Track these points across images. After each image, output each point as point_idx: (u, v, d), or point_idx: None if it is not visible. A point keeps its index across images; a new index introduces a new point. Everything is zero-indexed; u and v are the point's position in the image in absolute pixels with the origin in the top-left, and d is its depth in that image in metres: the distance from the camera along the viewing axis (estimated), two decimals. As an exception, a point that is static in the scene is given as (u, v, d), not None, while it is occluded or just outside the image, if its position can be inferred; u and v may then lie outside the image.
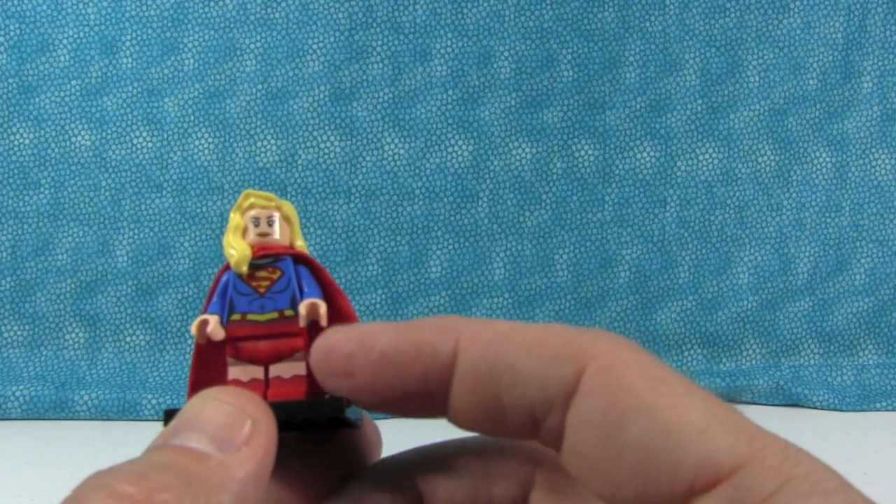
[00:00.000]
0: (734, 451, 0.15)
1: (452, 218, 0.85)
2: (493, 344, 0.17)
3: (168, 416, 0.17)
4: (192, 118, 0.83)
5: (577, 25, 0.86)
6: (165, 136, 0.83)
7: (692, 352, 0.87)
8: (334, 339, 0.18)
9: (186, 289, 0.83)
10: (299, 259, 0.20)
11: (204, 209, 0.83)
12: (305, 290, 0.19)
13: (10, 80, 0.82)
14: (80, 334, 0.82)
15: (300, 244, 0.20)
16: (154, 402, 0.77)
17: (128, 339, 0.83)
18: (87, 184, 0.83)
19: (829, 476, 0.14)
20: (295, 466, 0.18)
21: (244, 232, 0.20)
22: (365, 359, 0.17)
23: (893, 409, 0.82)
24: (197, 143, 0.83)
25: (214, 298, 0.20)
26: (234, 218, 0.20)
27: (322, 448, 0.19)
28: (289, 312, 0.19)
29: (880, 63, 0.88)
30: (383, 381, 0.17)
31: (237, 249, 0.19)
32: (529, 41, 0.85)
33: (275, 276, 0.19)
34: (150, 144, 0.83)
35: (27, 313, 0.82)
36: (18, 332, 0.82)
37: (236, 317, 0.19)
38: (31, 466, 0.63)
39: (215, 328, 0.19)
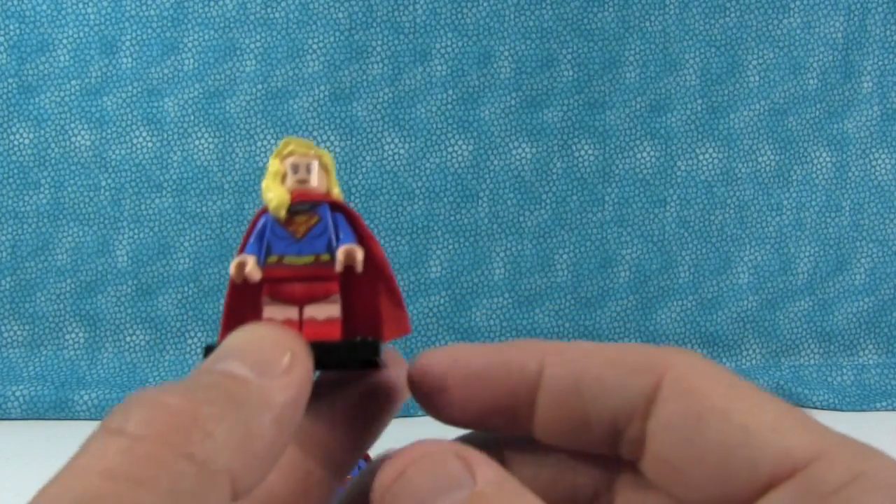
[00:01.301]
0: (808, 446, 0.16)
1: (452, 218, 0.85)
2: (576, 360, 0.18)
3: (207, 350, 0.18)
4: (192, 118, 0.83)
5: (577, 25, 0.86)
6: (165, 136, 0.83)
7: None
8: (432, 356, 0.19)
9: (186, 289, 0.83)
10: (336, 206, 0.20)
11: (204, 209, 0.83)
12: (341, 236, 0.20)
13: (10, 80, 0.82)
14: (80, 334, 0.82)
15: (336, 192, 0.21)
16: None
17: (128, 339, 0.83)
18: (87, 184, 0.83)
19: None
20: (327, 404, 0.19)
21: (283, 178, 0.20)
22: (459, 375, 0.19)
23: (893, 409, 0.83)
24: (197, 143, 0.83)
25: (251, 240, 0.20)
26: (274, 164, 0.20)
27: (351, 386, 0.20)
28: (325, 257, 0.20)
29: (880, 63, 0.88)
30: (474, 396, 0.19)
31: (276, 194, 0.20)
32: (529, 41, 0.85)
33: (312, 222, 0.20)
34: (150, 144, 0.83)
35: (27, 313, 0.82)
36: (18, 332, 0.82)
37: (273, 259, 0.20)
38: (31, 466, 0.63)
39: (253, 268, 0.19)
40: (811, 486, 0.15)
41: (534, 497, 0.16)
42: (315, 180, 0.20)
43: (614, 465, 0.19)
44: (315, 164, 0.20)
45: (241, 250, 0.20)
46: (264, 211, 0.20)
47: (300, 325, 0.20)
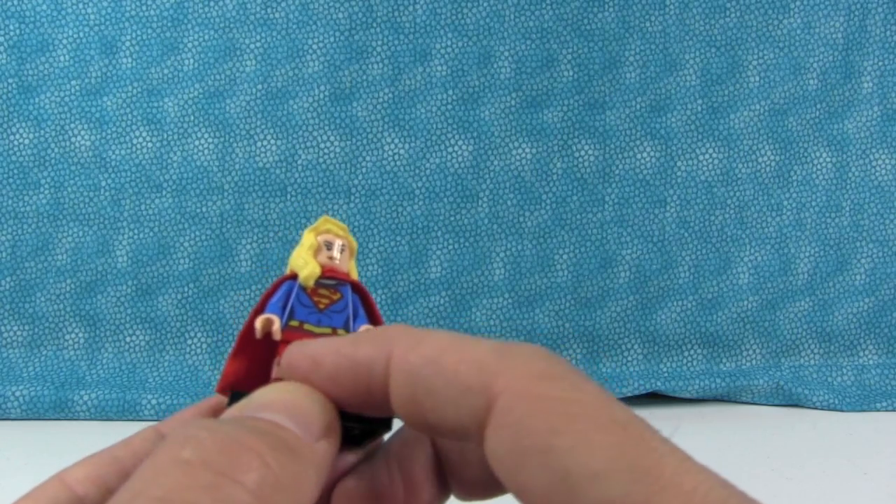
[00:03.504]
0: (628, 497, 0.14)
1: (452, 218, 0.85)
2: (415, 368, 0.17)
3: (235, 396, 0.18)
4: (192, 118, 0.83)
5: (577, 25, 0.86)
6: (165, 136, 0.83)
7: (692, 352, 0.87)
8: (296, 355, 0.19)
9: (186, 289, 0.83)
10: (357, 288, 0.22)
11: (204, 209, 0.83)
12: (359, 317, 0.22)
13: (10, 80, 0.82)
14: (80, 334, 0.82)
15: (355, 275, 0.23)
16: (154, 402, 0.77)
17: (128, 339, 0.83)
18: (87, 184, 0.83)
19: None
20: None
21: (316, 251, 0.22)
22: (316, 376, 0.19)
23: (893, 410, 0.82)
24: (197, 143, 0.83)
25: (274, 300, 0.21)
26: (309, 237, 0.22)
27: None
28: (341, 332, 0.21)
29: (880, 63, 0.88)
30: (335, 393, 0.19)
31: (309, 266, 0.21)
32: (529, 41, 0.85)
33: (335, 298, 0.22)
34: (150, 144, 0.83)
35: (27, 313, 0.82)
36: (18, 332, 0.82)
37: (294, 323, 0.21)
38: (31, 466, 0.63)
39: (278, 329, 0.21)
40: None
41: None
42: (342, 260, 0.22)
43: None
44: (346, 246, 0.22)
45: (261, 307, 0.21)
46: (287, 278, 0.22)
47: None
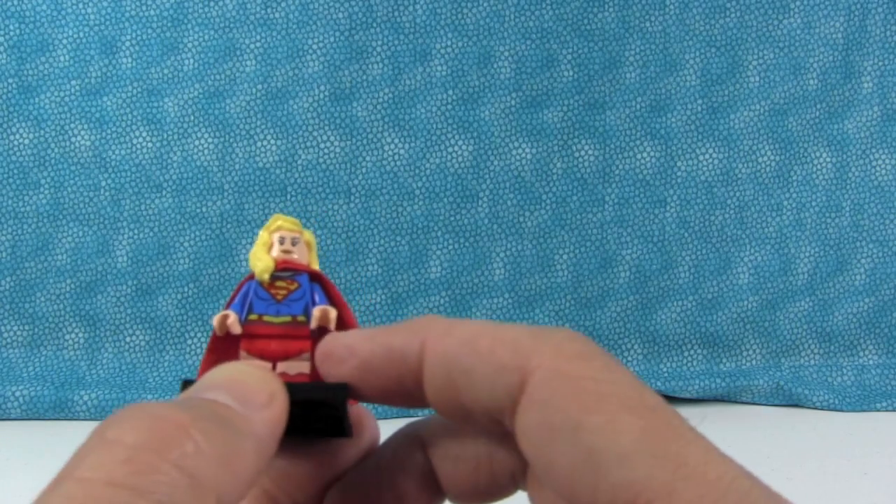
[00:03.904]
0: (653, 481, 0.14)
1: (452, 218, 0.85)
2: (450, 351, 0.18)
3: (185, 384, 0.19)
4: (192, 118, 0.83)
5: (577, 25, 0.86)
6: (165, 136, 0.83)
7: (692, 352, 0.87)
8: (331, 344, 0.20)
9: (186, 289, 0.83)
10: (315, 277, 0.23)
11: (204, 209, 0.83)
12: (317, 300, 0.22)
13: (10, 80, 0.82)
14: (80, 334, 0.82)
15: (315, 267, 0.23)
16: (153, 402, 0.77)
17: (128, 339, 0.83)
18: (87, 184, 0.83)
19: None
20: (294, 440, 0.20)
21: (270, 248, 0.23)
22: (350, 364, 0.19)
23: (893, 410, 0.82)
24: (197, 143, 0.83)
25: (236, 299, 0.22)
26: (263, 235, 0.23)
27: (316, 450, 0.21)
28: (301, 318, 0.22)
29: (880, 63, 0.88)
30: (367, 382, 0.19)
31: (262, 260, 0.22)
32: (529, 41, 0.85)
33: (292, 287, 0.22)
34: (150, 144, 0.83)
35: (27, 313, 0.82)
36: (18, 332, 0.82)
37: (254, 317, 0.22)
38: (31, 466, 0.63)
39: (234, 322, 0.22)
40: None
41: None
42: (297, 253, 0.23)
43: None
44: (299, 238, 0.23)
45: (227, 307, 0.22)
46: (250, 277, 0.22)
47: None
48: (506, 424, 0.17)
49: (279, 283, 0.22)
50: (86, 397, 0.77)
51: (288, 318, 0.22)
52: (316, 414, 0.20)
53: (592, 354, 0.17)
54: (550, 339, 0.17)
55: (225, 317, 0.21)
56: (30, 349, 0.81)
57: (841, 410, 0.82)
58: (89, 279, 0.82)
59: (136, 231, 0.83)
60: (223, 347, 0.22)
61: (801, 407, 0.83)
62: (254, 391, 0.17)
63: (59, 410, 0.76)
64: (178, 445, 0.14)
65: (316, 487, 0.20)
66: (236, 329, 0.21)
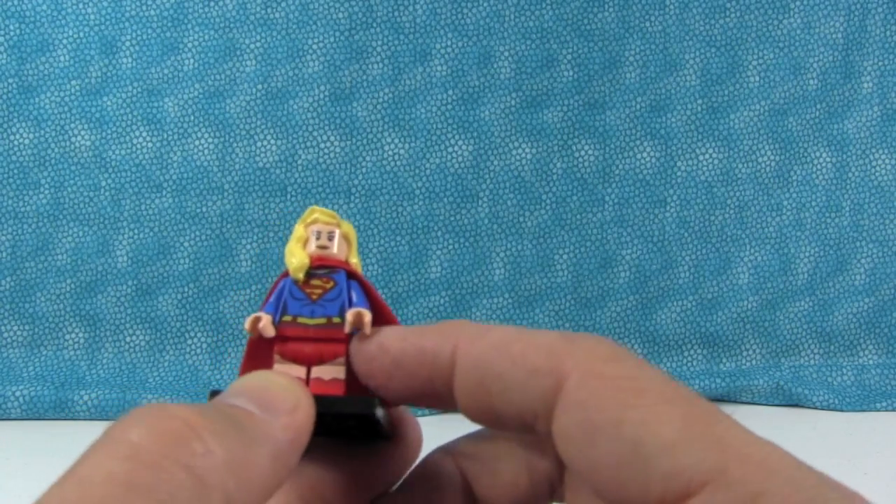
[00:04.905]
0: (703, 465, 0.15)
1: (452, 218, 0.85)
2: (482, 354, 0.18)
3: (213, 394, 0.18)
4: (192, 118, 0.83)
5: (577, 25, 0.86)
6: (165, 136, 0.83)
7: (692, 352, 0.87)
8: (363, 342, 0.20)
9: (186, 289, 0.83)
10: (352, 274, 0.21)
11: (204, 209, 0.83)
12: (354, 301, 0.21)
13: (10, 80, 0.82)
14: (80, 334, 0.82)
15: (354, 262, 0.22)
16: (154, 402, 0.77)
17: (128, 339, 0.83)
18: (87, 184, 0.83)
19: (804, 487, 0.14)
20: (328, 453, 0.20)
21: (305, 243, 0.21)
22: (380, 362, 0.19)
23: (893, 410, 0.82)
24: (197, 143, 0.83)
25: (270, 299, 0.21)
26: (298, 229, 0.22)
27: (358, 461, 0.20)
28: (336, 320, 0.21)
29: (880, 63, 0.88)
30: (397, 381, 0.19)
31: (297, 257, 0.21)
32: (529, 41, 0.85)
33: (328, 286, 0.21)
34: (150, 144, 0.83)
35: (27, 313, 0.82)
36: (18, 332, 0.82)
37: (287, 318, 0.21)
38: (31, 466, 0.63)
39: (266, 325, 0.20)
40: None
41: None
42: (335, 247, 0.21)
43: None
44: (337, 233, 0.21)
45: (261, 308, 0.21)
46: (286, 274, 0.21)
47: (306, 384, 0.20)
48: (537, 429, 0.17)
49: (314, 282, 0.21)
50: (86, 397, 0.77)
51: (323, 320, 0.21)
52: (349, 423, 0.19)
53: (624, 356, 0.17)
54: (582, 343, 0.17)
55: (257, 319, 0.20)
56: (30, 349, 0.81)
57: (841, 410, 0.82)
58: (89, 279, 0.82)
59: (136, 231, 0.83)
60: (259, 351, 0.21)
61: (801, 407, 0.83)
62: (278, 398, 0.17)
63: (59, 410, 0.76)
64: (185, 445, 0.14)
65: (357, 497, 0.20)
66: (269, 332, 0.20)
